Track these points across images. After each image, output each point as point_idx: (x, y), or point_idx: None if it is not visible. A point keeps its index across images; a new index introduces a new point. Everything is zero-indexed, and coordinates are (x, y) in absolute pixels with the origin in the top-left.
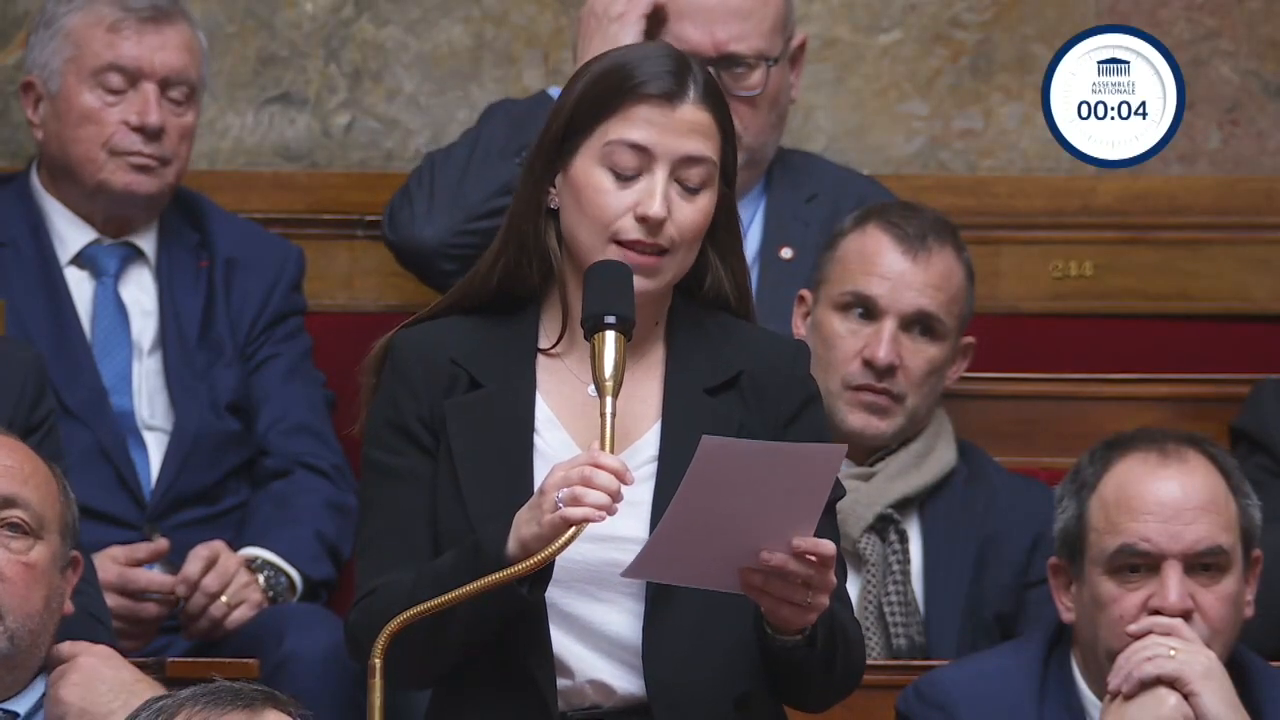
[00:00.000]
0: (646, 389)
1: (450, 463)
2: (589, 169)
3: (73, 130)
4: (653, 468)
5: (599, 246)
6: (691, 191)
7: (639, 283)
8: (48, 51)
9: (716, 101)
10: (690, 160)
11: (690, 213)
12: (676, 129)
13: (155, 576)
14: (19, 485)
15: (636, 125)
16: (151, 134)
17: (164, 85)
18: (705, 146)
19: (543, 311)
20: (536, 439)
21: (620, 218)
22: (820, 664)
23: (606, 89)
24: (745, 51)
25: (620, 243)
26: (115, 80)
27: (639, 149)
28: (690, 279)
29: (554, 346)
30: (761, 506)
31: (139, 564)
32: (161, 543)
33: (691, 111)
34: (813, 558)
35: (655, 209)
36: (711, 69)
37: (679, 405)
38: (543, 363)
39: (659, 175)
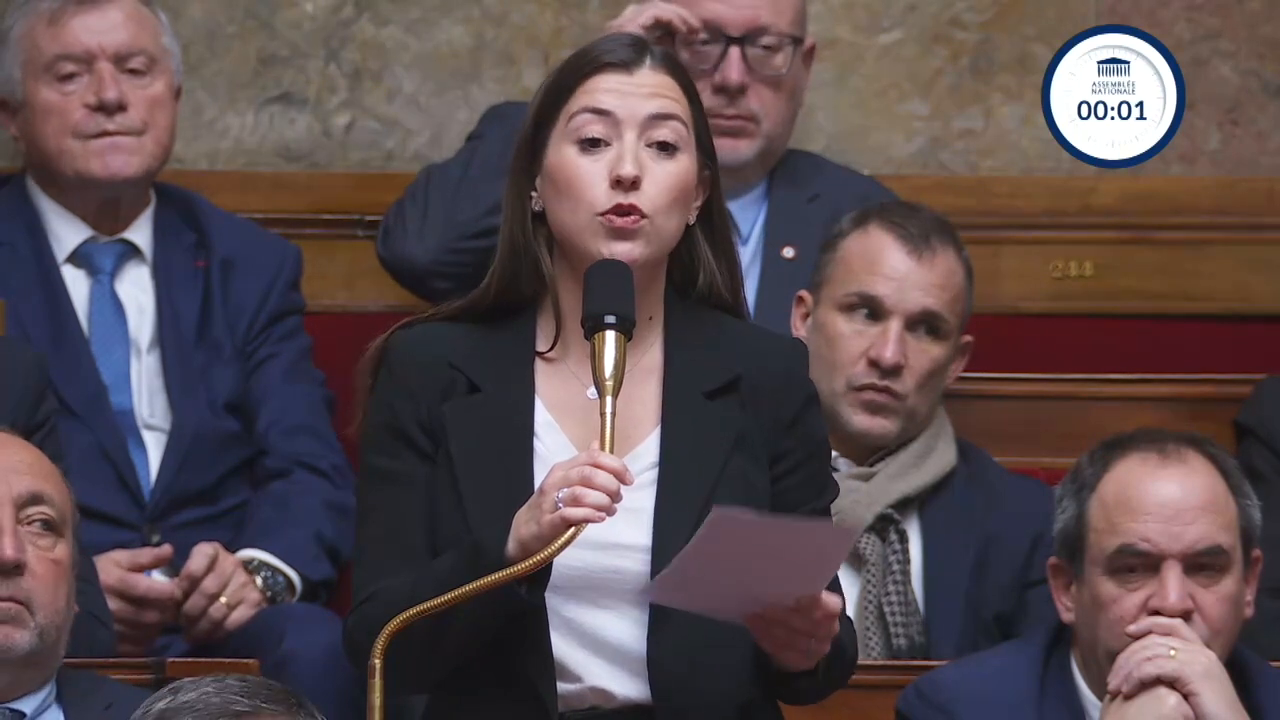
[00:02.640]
0: (645, 392)
1: (449, 466)
2: (560, 150)
3: (41, 128)
4: (653, 474)
5: (584, 224)
6: (665, 152)
7: (625, 247)
8: (6, 64)
9: (677, 68)
10: (657, 119)
11: (664, 174)
12: (637, 91)
13: (155, 584)
14: (44, 481)
15: (597, 94)
16: (112, 109)
17: (118, 60)
18: (670, 105)
19: (538, 315)
20: (536, 442)
21: (596, 186)
22: (821, 683)
23: (564, 73)
24: (774, 28)
25: (601, 214)
26: (67, 68)
27: (602, 113)
28: (684, 276)
29: (550, 350)
30: (766, 573)
31: (141, 569)
32: (165, 549)
33: (650, 74)
34: (818, 614)
35: (626, 168)
36: (740, 48)
37: (678, 410)
38: (540, 366)
39: (628, 138)
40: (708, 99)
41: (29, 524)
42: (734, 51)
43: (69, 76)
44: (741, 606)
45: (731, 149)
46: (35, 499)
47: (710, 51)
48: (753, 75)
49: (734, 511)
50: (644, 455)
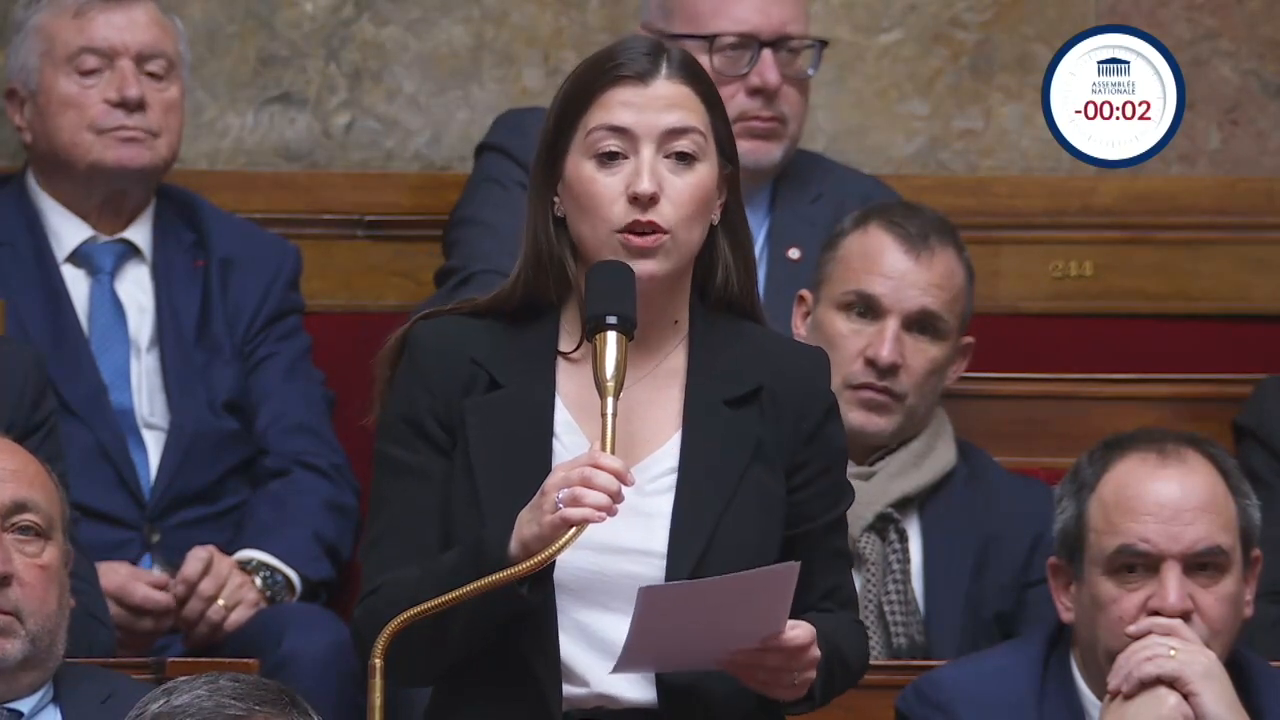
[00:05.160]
0: (667, 396)
1: (467, 463)
2: (578, 164)
3: (56, 120)
4: (672, 479)
5: (604, 240)
6: (683, 164)
7: (646, 266)
8: (23, 53)
9: (694, 75)
10: (674, 133)
11: (684, 186)
12: (653, 105)
13: (152, 594)
14: (28, 488)
15: (613, 109)
16: (133, 106)
17: (140, 60)
18: (687, 117)
19: (563, 316)
20: (555, 443)
21: (614, 203)
22: (820, 700)
23: (582, 81)
24: (799, 31)
25: (620, 230)
26: (90, 62)
27: (619, 131)
28: (703, 273)
29: (574, 351)
30: (721, 627)
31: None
32: (163, 578)
33: (665, 85)
34: (789, 647)
35: (643, 185)
36: (770, 50)
37: (700, 417)
38: (563, 366)
39: (645, 154)
40: (740, 102)
41: (13, 531)
42: (767, 54)
43: (90, 71)
44: (710, 657)
45: (766, 152)
46: (19, 507)
47: (741, 56)
48: (781, 78)
49: (662, 584)
50: (664, 460)
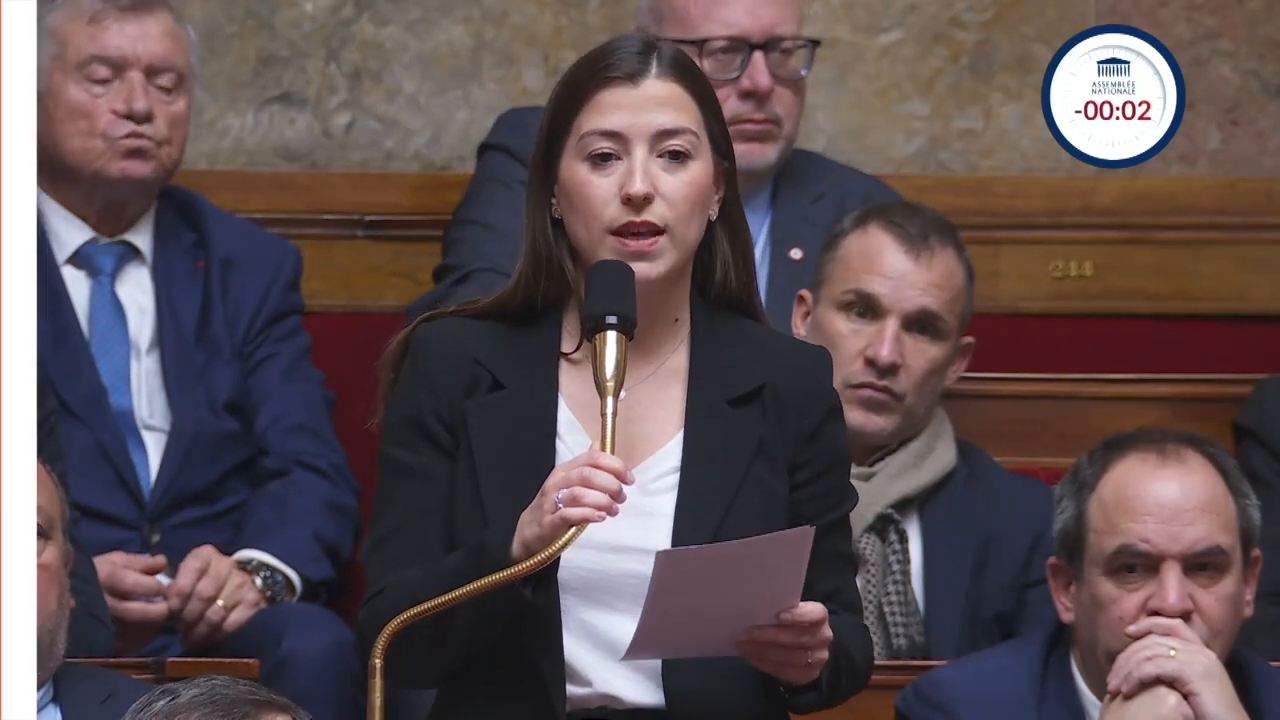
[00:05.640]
0: (669, 396)
1: (470, 464)
2: (572, 167)
3: (64, 126)
4: (674, 479)
5: (597, 241)
6: (676, 162)
7: (642, 269)
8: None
9: (685, 73)
10: (666, 133)
11: (678, 184)
12: (644, 105)
13: (141, 579)
14: None
15: (605, 112)
16: (140, 119)
17: (150, 73)
18: (679, 117)
19: (564, 317)
20: (558, 443)
21: (607, 204)
22: (827, 696)
23: (573, 83)
24: (790, 32)
25: (615, 232)
26: (101, 71)
27: (611, 135)
28: (702, 270)
29: (575, 351)
30: (738, 596)
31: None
32: (160, 560)
33: (656, 85)
34: (804, 622)
35: (636, 187)
36: (760, 53)
37: (702, 416)
38: (565, 367)
39: (637, 155)
40: (733, 105)
41: None
42: (758, 57)
43: (100, 81)
44: (725, 638)
45: (760, 154)
46: None
47: (732, 60)
48: (773, 79)
49: (679, 548)
50: (666, 459)
